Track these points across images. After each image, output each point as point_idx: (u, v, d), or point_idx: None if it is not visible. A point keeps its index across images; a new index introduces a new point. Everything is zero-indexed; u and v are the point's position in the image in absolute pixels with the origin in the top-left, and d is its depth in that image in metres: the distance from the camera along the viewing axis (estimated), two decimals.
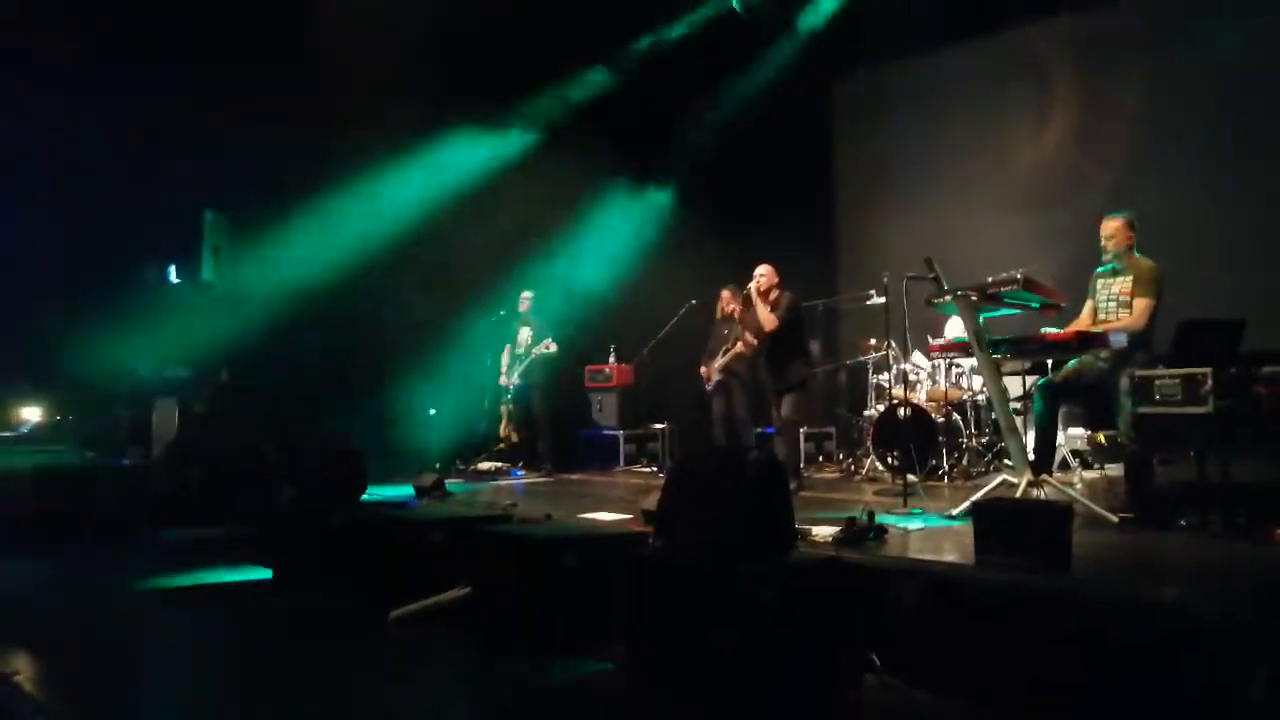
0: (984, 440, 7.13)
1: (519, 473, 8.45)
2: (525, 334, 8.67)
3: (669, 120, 10.02)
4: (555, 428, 8.72)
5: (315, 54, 8.08)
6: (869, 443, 7.49)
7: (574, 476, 8.25)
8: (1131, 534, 4.31)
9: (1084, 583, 3.34)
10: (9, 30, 7.42)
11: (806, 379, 6.73)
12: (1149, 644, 2.88)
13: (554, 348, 8.52)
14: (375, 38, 8.09)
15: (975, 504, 4.37)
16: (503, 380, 8.70)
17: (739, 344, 7.44)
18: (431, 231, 8.84)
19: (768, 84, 9.83)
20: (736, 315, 7.37)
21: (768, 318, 6.52)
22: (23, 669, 3.78)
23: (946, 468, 6.90)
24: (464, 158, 9.16)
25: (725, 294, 7.97)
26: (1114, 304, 4.90)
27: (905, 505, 5.12)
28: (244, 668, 3.98)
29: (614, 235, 9.79)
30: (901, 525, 4.61)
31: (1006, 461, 6.29)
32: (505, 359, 8.76)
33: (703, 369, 8.05)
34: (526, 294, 8.83)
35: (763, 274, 6.62)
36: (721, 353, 7.82)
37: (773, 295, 6.59)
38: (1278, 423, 4.10)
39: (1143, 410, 4.36)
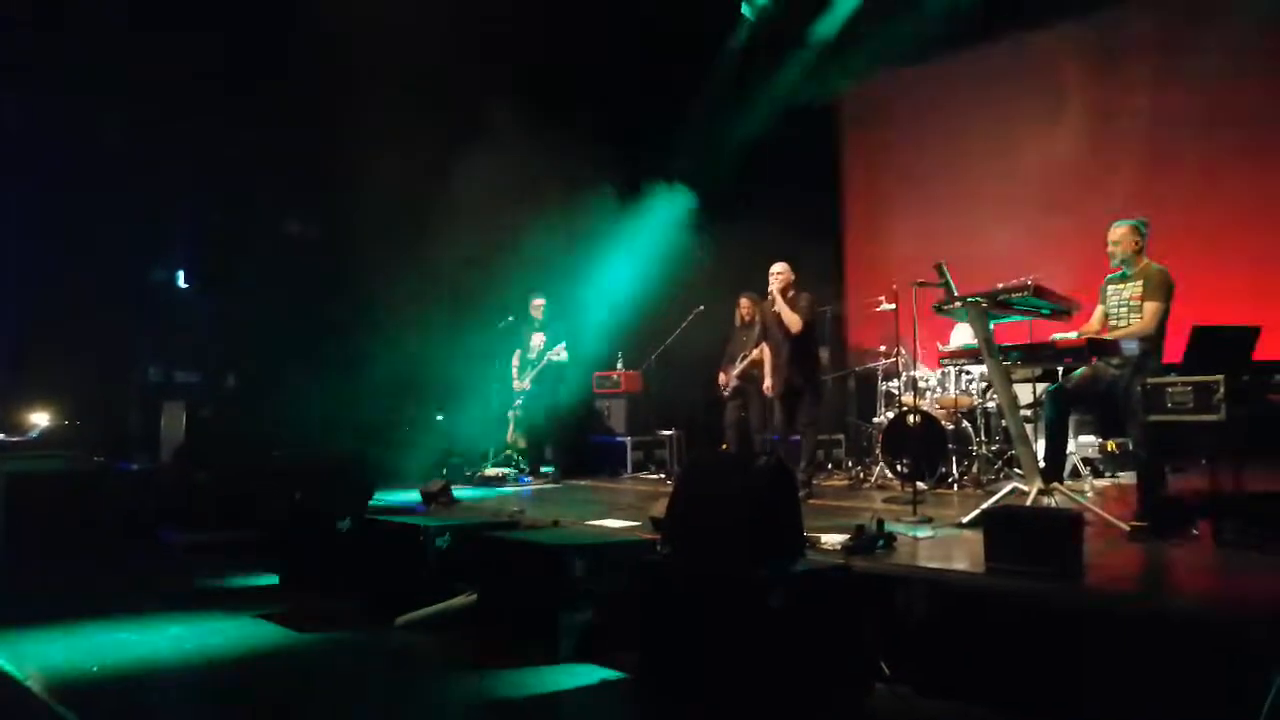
0: (994, 448, 7.09)
1: (526, 479, 8.43)
2: (537, 339, 8.65)
3: (675, 127, 10.01)
4: (563, 434, 8.69)
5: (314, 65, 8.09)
6: (878, 450, 7.46)
7: (581, 482, 8.23)
8: (1143, 543, 4.28)
9: (1095, 591, 3.31)
10: (23, 36, 7.47)
11: (819, 382, 6.70)
12: (1161, 654, 2.85)
13: (565, 354, 8.51)
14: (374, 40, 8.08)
15: (986, 512, 4.33)
16: (515, 385, 8.68)
17: (756, 351, 7.38)
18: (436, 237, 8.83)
19: (780, 94, 9.81)
20: (755, 320, 7.32)
21: (793, 319, 6.40)
22: (33, 674, 3.79)
23: (956, 475, 6.86)
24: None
25: (744, 300, 7.89)
26: (1125, 309, 4.87)
27: (915, 513, 5.09)
28: (248, 673, 3.97)
29: (620, 241, 9.76)
30: (910, 533, 4.58)
31: (1017, 469, 6.25)
32: (516, 364, 8.74)
33: (721, 375, 8.01)
34: (539, 300, 8.81)
35: (781, 272, 6.54)
36: (740, 358, 7.78)
37: (790, 294, 6.52)
38: None
39: (1155, 418, 4.32)
